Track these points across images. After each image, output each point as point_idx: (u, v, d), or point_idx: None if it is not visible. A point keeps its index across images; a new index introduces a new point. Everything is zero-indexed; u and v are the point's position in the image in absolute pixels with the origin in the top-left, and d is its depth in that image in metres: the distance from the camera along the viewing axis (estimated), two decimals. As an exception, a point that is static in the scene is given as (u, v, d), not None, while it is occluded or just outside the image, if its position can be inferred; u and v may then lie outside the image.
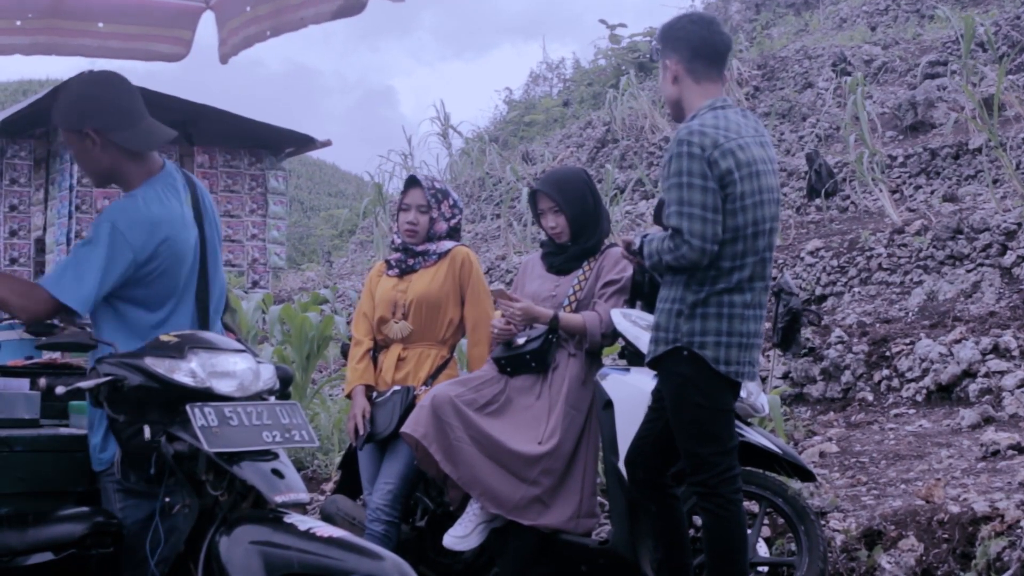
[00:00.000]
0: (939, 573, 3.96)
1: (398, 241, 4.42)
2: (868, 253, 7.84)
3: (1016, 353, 5.92)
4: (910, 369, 6.26)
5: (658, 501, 3.58)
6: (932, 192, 9.19)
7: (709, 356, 3.34)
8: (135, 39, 3.88)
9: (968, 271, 7.20)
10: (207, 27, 3.77)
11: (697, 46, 3.50)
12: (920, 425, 5.75)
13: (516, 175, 12.56)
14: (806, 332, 6.83)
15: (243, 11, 3.42)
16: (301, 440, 2.75)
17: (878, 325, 6.98)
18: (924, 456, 5.20)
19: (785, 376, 6.83)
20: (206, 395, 2.67)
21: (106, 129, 2.99)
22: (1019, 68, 10.59)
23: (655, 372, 3.54)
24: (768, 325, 5.79)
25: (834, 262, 7.99)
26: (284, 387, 2.95)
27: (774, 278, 5.91)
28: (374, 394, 4.28)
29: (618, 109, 13.55)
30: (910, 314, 7.05)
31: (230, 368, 2.74)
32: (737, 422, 3.67)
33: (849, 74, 11.86)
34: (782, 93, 12.70)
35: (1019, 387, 5.65)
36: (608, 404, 3.98)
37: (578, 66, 20.33)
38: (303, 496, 2.65)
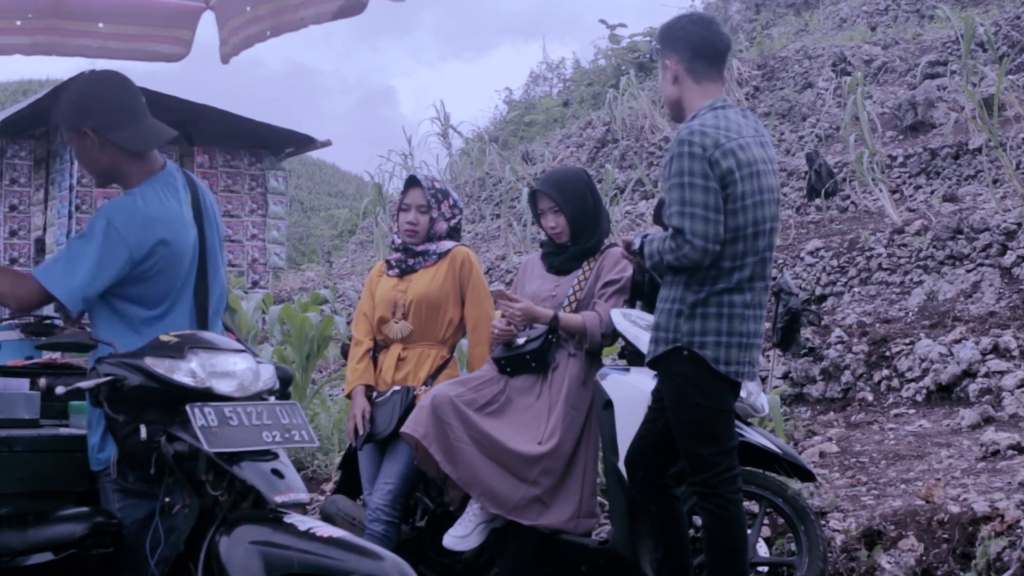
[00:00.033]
0: (939, 573, 3.96)
1: (398, 241, 4.42)
2: (868, 253, 7.84)
3: (1016, 353, 5.92)
4: (910, 369, 6.26)
5: (658, 501, 3.58)
6: (932, 192, 9.19)
7: (709, 356, 3.34)
8: (135, 39, 3.88)
9: (968, 271, 7.20)
10: (207, 27, 3.77)
11: (697, 46, 3.50)
12: (920, 425, 5.75)
13: (516, 175, 12.56)
14: (806, 332, 6.83)
15: (243, 11, 3.42)
16: (301, 440, 2.75)
17: (878, 325, 6.98)
18: (924, 456, 5.20)
19: (785, 376, 6.83)
20: (206, 395, 2.67)
21: (105, 128, 2.99)
22: (1019, 68, 10.59)
23: (655, 372, 3.54)
24: (768, 325, 5.79)
25: (834, 262, 7.99)
26: (284, 387, 2.95)
27: (774, 278, 5.91)
28: (374, 394, 4.28)
29: (618, 109, 13.54)
30: (910, 314, 7.05)
31: (230, 368, 2.74)
32: (737, 422, 3.67)
33: (849, 74, 11.86)
34: (782, 93, 12.70)
35: (1019, 387, 5.65)
36: (608, 404, 3.98)
37: (578, 66, 20.34)
38: (303, 496, 2.65)
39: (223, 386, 2.71)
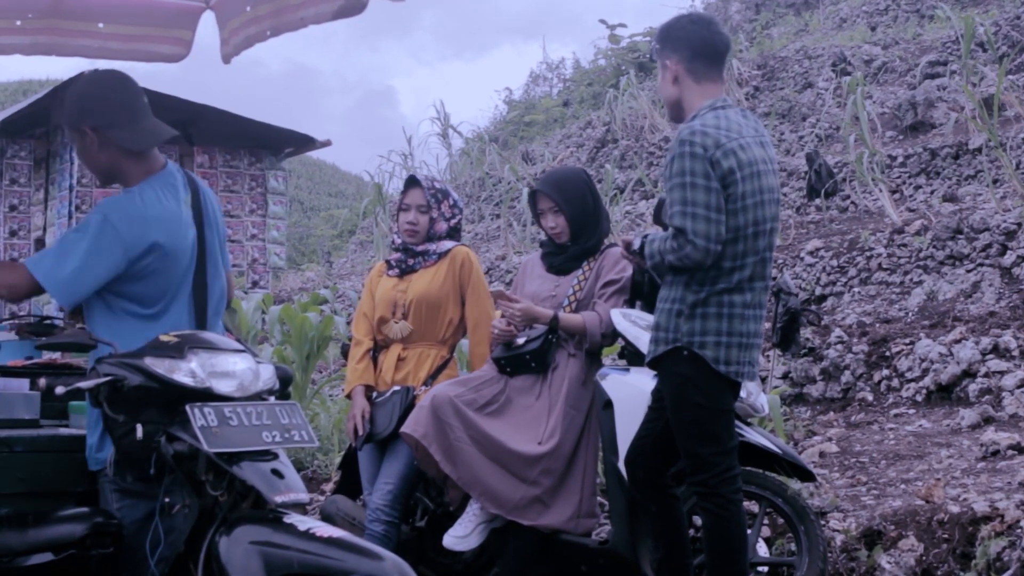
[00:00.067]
0: (939, 573, 3.96)
1: (398, 241, 4.42)
2: (868, 253, 7.84)
3: (1016, 353, 5.92)
4: (910, 369, 6.26)
5: (658, 501, 3.58)
6: (932, 192, 9.19)
7: (709, 356, 3.34)
8: (135, 40, 3.88)
9: (968, 271, 7.20)
10: (207, 27, 3.77)
11: (697, 46, 3.50)
12: (920, 425, 5.75)
13: (516, 175, 12.56)
14: (806, 332, 6.83)
15: (243, 11, 3.43)
16: (301, 440, 2.75)
17: (878, 325, 6.98)
18: (924, 456, 5.20)
19: (785, 376, 6.83)
20: (206, 395, 2.67)
21: (105, 127, 3.01)
22: (1019, 68, 10.59)
23: (655, 372, 3.54)
24: (768, 325, 5.80)
25: (834, 262, 7.99)
26: (284, 387, 2.95)
27: (774, 278, 5.91)
28: (374, 394, 4.28)
29: (618, 109, 13.55)
30: (910, 314, 7.05)
31: (230, 368, 2.75)
32: (737, 422, 3.67)
33: (849, 74, 11.86)
34: (782, 93, 12.70)
35: (1019, 387, 5.65)
36: (608, 404, 3.98)
37: (578, 66, 20.34)
38: (303, 496, 2.65)
39: (223, 386, 2.71)
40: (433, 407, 3.97)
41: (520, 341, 4.12)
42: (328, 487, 6.00)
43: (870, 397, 6.36)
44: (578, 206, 4.21)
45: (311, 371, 7.41)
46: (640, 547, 3.95)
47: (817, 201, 9.45)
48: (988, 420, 5.48)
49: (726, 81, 3.57)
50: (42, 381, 2.82)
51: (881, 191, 8.89)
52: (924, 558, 4.03)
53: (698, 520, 3.92)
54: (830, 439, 5.81)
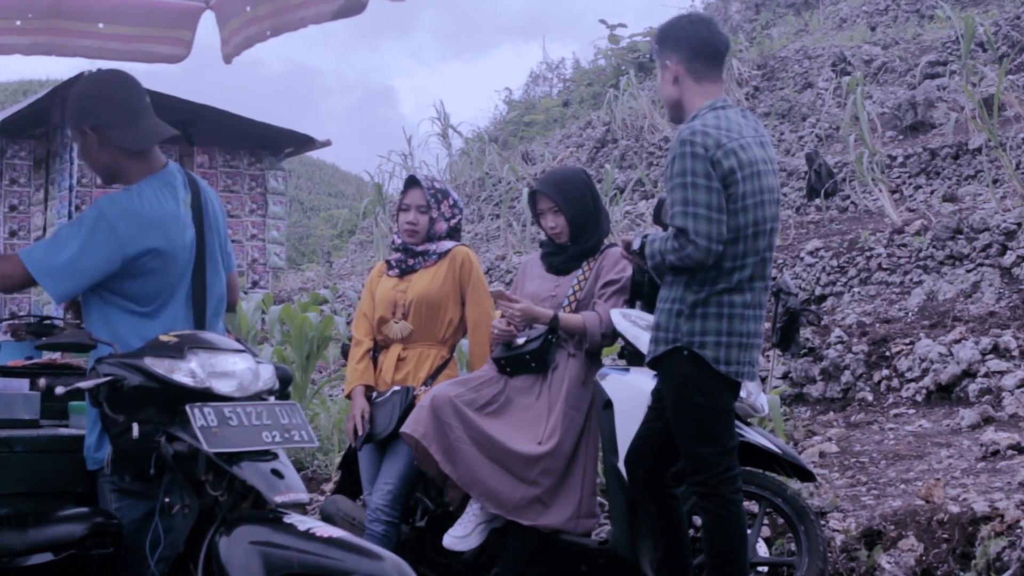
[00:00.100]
0: (939, 573, 3.96)
1: (398, 241, 4.42)
2: (868, 253, 7.84)
3: (1016, 353, 5.92)
4: (910, 369, 6.26)
5: (658, 501, 3.58)
6: (932, 192, 9.19)
7: (709, 356, 3.34)
8: (135, 40, 3.88)
9: (968, 271, 7.20)
10: (207, 27, 3.78)
11: (698, 46, 3.50)
12: (920, 425, 5.75)
13: (516, 175, 12.56)
14: (806, 332, 6.83)
15: (243, 11, 3.43)
16: (301, 440, 2.75)
17: (878, 325, 6.98)
18: (924, 456, 5.20)
19: (785, 376, 6.83)
20: (206, 395, 2.67)
21: (104, 126, 3.02)
22: (1019, 68, 10.58)
23: (655, 372, 3.54)
24: (768, 325, 5.80)
25: (834, 262, 7.99)
26: (284, 387, 2.95)
27: (773, 278, 5.91)
28: (374, 394, 4.28)
29: (618, 109, 13.54)
30: (910, 314, 7.05)
31: (230, 368, 2.75)
32: (737, 422, 3.67)
33: (849, 74, 11.86)
34: (782, 93, 12.70)
35: (1019, 387, 5.66)
36: (608, 404, 3.98)
37: (578, 66, 20.33)
38: (303, 496, 2.65)
39: (223, 386, 2.71)
40: (433, 407, 3.97)
41: (520, 341, 4.12)
42: (328, 487, 6.00)
43: (870, 397, 6.36)
44: (578, 206, 4.21)
45: (311, 371, 7.41)
46: (640, 547, 3.95)
47: (817, 201, 9.45)
48: (988, 420, 5.48)
49: (726, 81, 3.56)
50: (42, 381, 2.83)
51: (881, 191, 8.89)
52: (924, 558, 4.03)
53: (698, 520, 3.92)
54: (830, 439, 5.81)
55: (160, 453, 2.64)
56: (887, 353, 6.49)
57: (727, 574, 3.39)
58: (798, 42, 14.45)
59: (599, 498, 4.34)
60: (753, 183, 3.36)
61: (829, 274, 7.96)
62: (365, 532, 4.07)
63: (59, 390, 2.67)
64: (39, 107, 8.75)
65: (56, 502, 2.97)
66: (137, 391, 2.65)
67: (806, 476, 4.07)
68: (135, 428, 2.64)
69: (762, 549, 4.20)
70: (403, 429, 4.00)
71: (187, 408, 2.60)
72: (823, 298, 7.90)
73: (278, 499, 2.58)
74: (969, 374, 5.95)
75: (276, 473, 2.62)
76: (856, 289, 7.74)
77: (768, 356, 6.63)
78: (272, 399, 2.86)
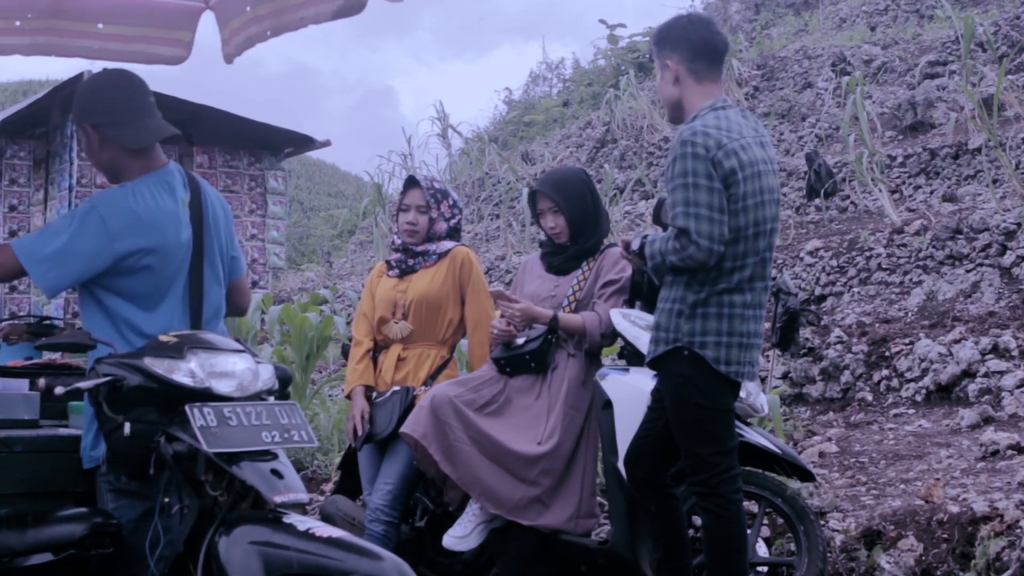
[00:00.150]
0: (938, 573, 3.96)
1: (398, 241, 4.42)
2: (867, 253, 7.84)
3: (1015, 353, 5.92)
4: (909, 369, 6.26)
5: (657, 501, 3.58)
6: (932, 192, 9.19)
7: (709, 356, 3.34)
8: (135, 41, 3.88)
9: (968, 271, 7.21)
10: (207, 28, 3.77)
11: (699, 46, 3.50)
12: (920, 425, 5.75)
13: (516, 175, 12.56)
14: (805, 332, 6.83)
15: (243, 11, 3.43)
16: (300, 440, 2.75)
17: (877, 325, 6.98)
18: (923, 456, 5.20)
19: (784, 376, 6.83)
20: (205, 395, 2.67)
21: (105, 125, 3.04)
22: (1019, 68, 10.59)
23: (655, 372, 3.54)
24: (767, 325, 5.80)
25: (833, 262, 7.99)
26: (283, 387, 2.95)
27: (773, 278, 5.91)
28: (373, 394, 4.28)
29: (618, 109, 13.55)
30: (909, 314, 7.05)
31: (229, 368, 2.75)
32: (737, 422, 3.67)
33: (849, 74, 11.86)
34: (782, 93, 12.70)
35: (1018, 387, 5.66)
36: (607, 404, 3.98)
37: (578, 66, 20.33)
38: (302, 496, 2.65)
39: (222, 386, 2.71)
40: (432, 407, 3.97)
41: (520, 341, 4.12)
42: (328, 487, 6.00)
43: (870, 397, 6.36)
44: (577, 206, 4.21)
45: (311, 371, 7.41)
46: (640, 547, 3.95)
47: (817, 201, 9.45)
48: (988, 420, 5.48)
49: (725, 81, 3.57)
50: (42, 381, 2.83)
51: (881, 191, 8.89)
52: (924, 558, 4.03)
53: (698, 520, 3.92)
54: (830, 439, 5.81)
55: (160, 453, 2.64)
56: (887, 353, 6.49)
57: (727, 574, 3.39)
58: (798, 42, 14.46)
59: (599, 498, 4.34)
60: (754, 183, 3.36)
61: (829, 274, 7.96)
62: (365, 532, 4.07)
63: (59, 390, 2.67)
64: (39, 107, 8.74)
65: (56, 502, 2.97)
66: (137, 391, 2.65)
67: (806, 476, 4.07)
68: (127, 426, 2.64)
69: (762, 549, 4.20)
70: (403, 429, 4.00)
71: (187, 408, 2.60)
72: (823, 298, 7.90)
73: (278, 499, 2.58)
74: (969, 374, 5.95)
75: (276, 473, 2.62)
76: (856, 289, 7.74)
77: (768, 356, 6.63)
78: (272, 399, 2.86)
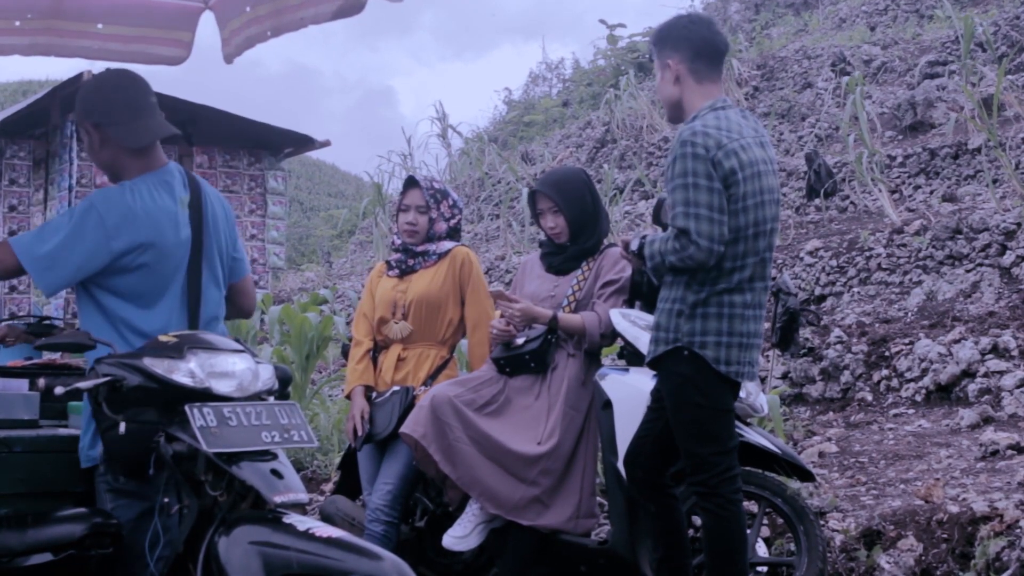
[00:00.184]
0: (938, 573, 3.97)
1: (398, 242, 4.42)
2: (867, 253, 7.84)
3: (1015, 353, 5.92)
4: (909, 369, 6.26)
5: (657, 501, 3.58)
6: (931, 192, 9.19)
7: (709, 356, 3.34)
8: (135, 41, 3.89)
9: (967, 271, 7.21)
10: (207, 28, 3.78)
11: (699, 46, 3.50)
12: (919, 425, 5.76)
13: (515, 175, 12.56)
14: (805, 332, 6.83)
15: (243, 11, 3.43)
16: (300, 440, 2.75)
17: (877, 325, 6.98)
18: (923, 456, 5.20)
19: (784, 376, 6.83)
20: (205, 395, 2.67)
21: (105, 124, 3.05)
22: (1019, 68, 10.59)
23: (655, 372, 3.54)
24: (767, 325, 5.80)
25: (833, 262, 7.99)
26: (283, 387, 2.95)
27: (773, 278, 5.91)
28: (373, 394, 4.28)
29: (617, 109, 13.55)
30: (909, 314, 7.05)
31: (229, 368, 2.75)
32: (737, 422, 3.67)
33: (848, 74, 11.86)
34: (781, 93, 12.70)
35: (1018, 387, 5.66)
36: (607, 404, 3.98)
37: (577, 66, 20.32)
38: (302, 496, 2.65)
39: (222, 386, 2.71)
40: (432, 407, 3.97)
41: (519, 341, 4.12)
42: (328, 487, 6.00)
43: (869, 397, 6.36)
44: (577, 206, 4.21)
45: (311, 371, 7.41)
46: (639, 547, 3.95)
47: (816, 201, 9.45)
48: (987, 420, 5.48)
49: (725, 81, 3.57)
50: (41, 381, 2.84)
51: (880, 191, 8.89)
52: (923, 558, 4.03)
53: (698, 520, 3.92)
54: (829, 439, 5.81)
55: (159, 453, 2.65)
56: (887, 353, 6.49)
57: (727, 574, 3.39)
58: (798, 42, 14.46)
59: (599, 498, 4.34)
60: (754, 183, 3.36)
61: (829, 274, 7.97)
62: (365, 532, 4.07)
63: (58, 390, 2.67)
64: (39, 107, 8.74)
65: (55, 502, 2.97)
66: (136, 391, 2.65)
67: (805, 476, 4.07)
68: (122, 425, 2.64)
69: (762, 549, 4.20)
70: (402, 429, 4.00)
71: (186, 408, 2.60)
72: (823, 298, 7.90)
73: (277, 499, 2.58)
74: (968, 374, 5.95)
75: (275, 473, 2.62)
76: (856, 289, 7.74)
77: (768, 356, 6.63)
78: (271, 399, 2.86)
